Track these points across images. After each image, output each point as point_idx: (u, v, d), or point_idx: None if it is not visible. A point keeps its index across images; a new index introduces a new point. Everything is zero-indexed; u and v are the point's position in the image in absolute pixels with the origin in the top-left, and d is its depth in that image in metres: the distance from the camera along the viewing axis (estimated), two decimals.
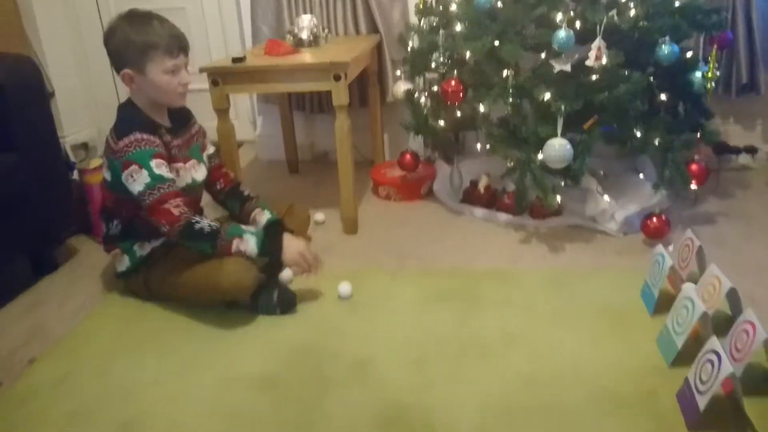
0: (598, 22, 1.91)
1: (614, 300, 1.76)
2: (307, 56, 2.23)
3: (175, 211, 1.67)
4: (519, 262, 2.04)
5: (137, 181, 1.67)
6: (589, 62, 1.92)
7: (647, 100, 2.11)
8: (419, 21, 2.40)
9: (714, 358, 1.27)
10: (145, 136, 1.70)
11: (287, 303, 1.80)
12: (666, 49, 1.95)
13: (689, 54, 2.10)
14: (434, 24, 2.30)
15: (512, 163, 2.09)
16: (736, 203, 2.37)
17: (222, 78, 2.12)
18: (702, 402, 1.25)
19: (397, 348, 1.61)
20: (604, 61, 1.91)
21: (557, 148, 1.91)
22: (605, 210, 2.14)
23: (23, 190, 1.96)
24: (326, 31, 2.55)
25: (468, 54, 2.12)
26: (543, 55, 2.03)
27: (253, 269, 1.75)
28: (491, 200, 2.36)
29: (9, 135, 1.92)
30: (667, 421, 1.30)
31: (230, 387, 1.50)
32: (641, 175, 2.27)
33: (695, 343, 1.41)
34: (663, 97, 2.08)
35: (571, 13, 1.95)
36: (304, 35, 2.43)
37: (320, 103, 2.95)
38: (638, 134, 2.03)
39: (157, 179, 1.67)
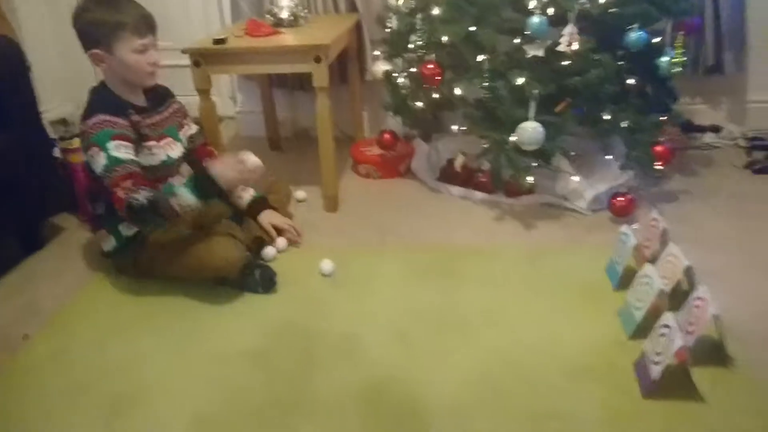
0: (570, 9, 1.97)
1: (582, 275, 1.88)
2: (287, 38, 2.27)
3: (122, 194, 1.65)
4: (494, 238, 2.14)
5: (97, 164, 1.71)
6: (562, 48, 2.00)
7: (617, 83, 2.20)
8: (398, 1, 2.43)
9: (667, 331, 1.39)
10: (108, 118, 1.72)
11: (268, 279, 1.86)
12: (634, 35, 2.03)
13: (658, 39, 2.18)
14: (413, 6, 2.34)
15: (487, 144, 2.17)
16: (699, 181, 2.49)
17: (204, 59, 2.16)
18: (655, 372, 1.37)
19: (381, 324, 1.71)
20: (575, 46, 1.99)
21: (530, 131, 2.00)
22: (575, 189, 2.25)
23: (8, 167, 1.98)
24: (306, 10, 2.57)
25: (445, 38, 2.17)
26: (518, 40, 2.09)
27: (241, 246, 1.83)
28: (468, 179, 2.45)
29: None
30: (625, 388, 1.42)
31: (221, 362, 1.59)
32: (610, 156, 2.36)
33: (654, 317, 1.53)
34: (632, 81, 2.16)
35: (544, 0, 2.00)
36: (284, 15, 2.45)
37: (301, 81, 2.98)
38: (608, 117, 2.12)
39: (113, 161, 1.68)
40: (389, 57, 2.53)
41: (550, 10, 2.02)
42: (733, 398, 1.38)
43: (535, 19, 1.97)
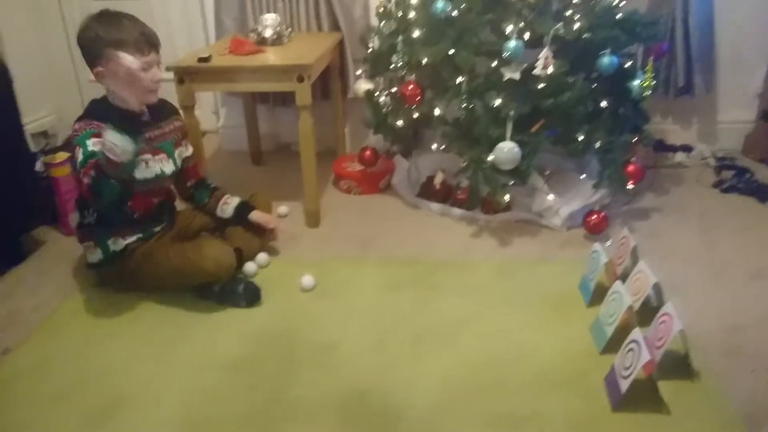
0: (545, 33, 2.05)
1: (556, 290, 1.93)
2: (271, 57, 2.31)
3: (86, 180, 1.63)
4: (471, 253, 2.19)
5: (77, 163, 1.71)
6: (537, 71, 2.07)
7: (591, 104, 2.28)
8: (380, 23, 2.50)
9: (635, 347, 1.44)
10: (92, 122, 1.75)
11: (252, 294, 1.90)
12: (606, 59, 2.11)
13: (629, 63, 2.27)
14: (394, 28, 2.40)
15: (466, 162, 2.23)
16: (670, 199, 2.57)
17: (188, 76, 2.19)
18: (624, 385, 1.43)
19: (360, 333, 1.75)
20: (550, 69, 2.06)
21: (506, 151, 2.06)
22: (550, 206, 2.31)
23: None
24: (289, 29, 2.62)
25: (425, 59, 2.23)
26: (495, 63, 2.16)
27: (230, 251, 1.88)
28: (446, 195, 2.51)
29: None
30: (596, 401, 1.48)
31: (204, 370, 1.62)
32: (583, 175, 2.44)
33: (624, 332, 1.58)
34: (605, 102, 2.24)
35: (522, 24, 2.08)
36: (268, 33, 2.50)
37: (283, 97, 3.03)
38: (582, 137, 2.19)
39: (87, 155, 1.68)
40: (371, 76, 2.59)
41: (527, 35, 2.09)
42: (697, 410, 1.44)
43: (512, 43, 2.04)
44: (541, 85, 2.09)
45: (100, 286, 1.99)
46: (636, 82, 2.23)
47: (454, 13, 2.21)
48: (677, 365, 1.57)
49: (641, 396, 1.46)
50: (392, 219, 2.46)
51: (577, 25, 2.09)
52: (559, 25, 2.07)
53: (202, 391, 1.54)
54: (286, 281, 2.00)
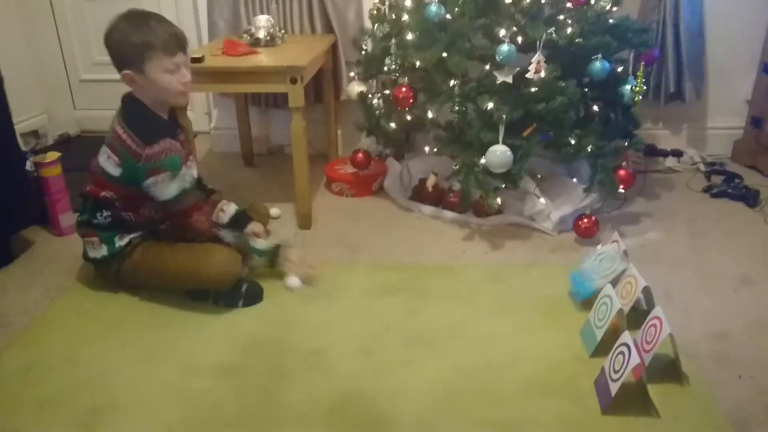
0: (538, 38, 2.06)
1: (546, 294, 1.94)
2: (264, 58, 2.31)
3: (205, 224, 1.87)
4: (462, 257, 2.20)
5: (169, 188, 1.76)
6: (529, 75, 2.08)
7: (583, 109, 2.29)
8: (373, 26, 2.50)
9: (625, 350, 1.45)
10: (173, 143, 1.77)
11: (252, 296, 1.89)
12: (598, 65, 2.13)
13: (620, 69, 2.28)
14: (387, 31, 2.41)
15: (458, 165, 2.24)
16: (660, 204, 2.59)
17: None
18: (614, 388, 1.43)
19: (349, 339, 1.74)
20: (542, 74, 2.07)
21: (498, 154, 2.07)
22: (542, 210, 2.32)
23: None
24: (283, 31, 2.62)
25: (418, 62, 2.24)
26: (488, 67, 2.17)
27: (239, 259, 1.86)
28: (438, 198, 2.51)
29: None
30: (586, 405, 1.48)
31: (192, 375, 1.61)
32: (575, 179, 2.45)
33: (613, 335, 1.59)
34: (596, 107, 2.26)
35: (514, 29, 2.09)
36: (261, 35, 2.50)
37: (275, 99, 3.03)
38: (573, 141, 2.20)
39: (185, 190, 1.79)
40: (364, 78, 2.59)
41: (519, 39, 2.10)
42: (686, 414, 1.45)
43: (505, 47, 2.05)
44: (533, 89, 2.10)
45: (90, 286, 1.98)
46: (627, 88, 2.25)
47: (447, 17, 2.22)
48: (666, 369, 1.58)
49: (631, 400, 1.47)
50: (384, 222, 2.46)
51: (569, 30, 2.10)
52: (552, 29, 2.09)
53: (190, 396, 1.54)
54: (275, 283, 2.00)
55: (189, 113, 2.32)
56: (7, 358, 1.68)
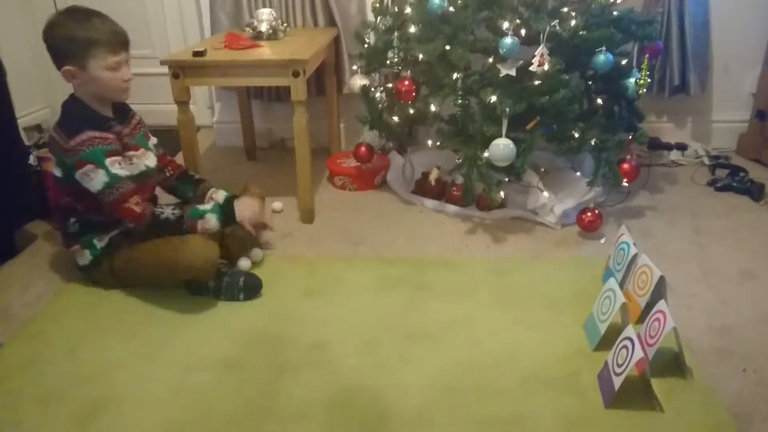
0: (541, 30, 2.05)
1: (549, 288, 1.93)
2: (266, 51, 2.30)
3: (138, 209, 1.77)
4: (465, 251, 2.19)
5: (95, 180, 1.73)
6: (533, 68, 2.07)
7: (586, 102, 2.28)
8: (376, 19, 2.49)
9: (629, 344, 1.45)
10: (97, 134, 1.75)
11: (252, 288, 1.89)
12: (602, 57, 2.11)
13: (624, 62, 2.27)
14: (390, 24, 2.39)
15: (460, 159, 2.23)
16: (664, 197, 2.58)
17: (182, 71, 2.18)
18: (617, 383, 1.43)
19: (350, 333, 1.74)
20: (546, 67, 2.06)
21: (501, 147, 2.06)
22: (545, 204, 2.31)
23: None
24: (285, 24, 2.61)
25: (421, 55, 2.23)
26: (491, 59, 2.16)
27: (216, 246, 1.84)
28: (441, 192, 2.50)
29: None
30: (588, 399, 1.48)
31: (193, 369, 1.61)
32: (578, 173, 2.44)
33: (617, 329, 1.57)
34: (599, 100, 2.24)
35: (517, 21, 2.08)
36: (264, 28, 2.49)
37: (278, 92, 3.02)
38: (576, 135, 2.19)
39: (114, 178, 1.74)
40: (366, 72, 2.58)
41: (522, 32, 2.09)
42: (689, 408, 1.44)
43: (508, 40, 2.03)
44: (536, 83, 2.08)
45: (91, 284, 1.98)
46: (631, 81, 2.24)
47: (450, 9, 2.20)
48: (669, 363, 1.57)
49: (634, 394, 1.46)
50: (387, 216, 2.46)
51: (572, 23, 2.09)
52: (555, 22, 2.07)
53: (191, 391, 1.54)
54: (276, 277, 1.99)
55: (192, 107, 2.31)
56: (10, 351, 1.69)
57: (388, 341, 1.70)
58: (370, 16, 2.66)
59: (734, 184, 2.60)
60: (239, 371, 1.60)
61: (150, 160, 1.96)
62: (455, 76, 2.18)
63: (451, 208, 2.44)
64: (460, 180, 2.39)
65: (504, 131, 2.08)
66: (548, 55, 2.06)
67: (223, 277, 1.88)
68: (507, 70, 2.09)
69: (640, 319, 1.68)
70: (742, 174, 2.67)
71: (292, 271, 2.03)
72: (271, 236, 2.21)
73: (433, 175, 2.51)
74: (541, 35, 2.05)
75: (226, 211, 1.88)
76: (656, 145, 2.93)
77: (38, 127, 3.24)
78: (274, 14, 2.55)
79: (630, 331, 1.48)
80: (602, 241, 2.21)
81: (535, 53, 2.06)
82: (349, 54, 2.83)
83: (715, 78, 2.93)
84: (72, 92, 1.85)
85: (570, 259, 2.09)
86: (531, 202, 2.36)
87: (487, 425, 1.41)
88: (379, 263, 2.10)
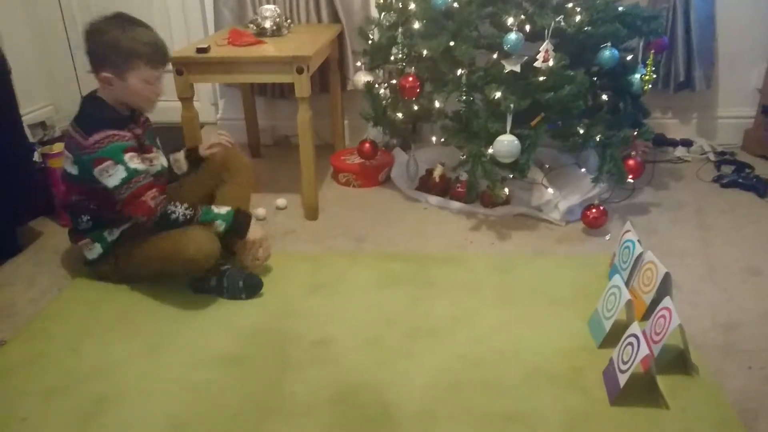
0: (546, 26, 2.04)
1: (553, 285, 1.93)
2: (270, 48, 2.30)
3: (152, 203, 1.77)
4: (469, 247, 2.19)
5: (113, 176, 1.73)
6: (537, 64, 2.06)
7: (591, 98, 2.27)
8: (380, 15, 2.48)
9: (634, 341, 1.44)
10: (116, 132, 1.75)
11: (253, 287, 1.89)
12: (607, 53, 2.10)
13: (629, 57, 2.26)
14: (394, 20, 2.39)
15: (464, 155, 2.22)
16: (669, 194, 2.56)
17: (186, 67, 2.18)
18: (623, 379, 1.42)
19: (354, 329, 1.74)
20: (551, 63, 2.05)
21: (506, 143, 2.05)
22: (549, 200, 2.31)
23: None
24: (289, 20, 2.60)
25: (425, 52, 2.22)
26: (495, 56, 2.15)
27: (215, 240, 1.83)
28: (445, 188, 2.50)
29: None
30: (593, 396, 1.47)
31: (197, 365, 1.61)
32: (583, 169, 2.43)
33: (622, 326, 1.56)
34: (604, 97, 2.23)
35: (522, 17, 2.07)
36: (267, 25, 2.49)
37: (282, 89, 3.02)
38: (581, 131, 2.18)
39: (132, 173, 1.74)
40: (370, 68, 2.57)
41: (527, 27, 2.08)
42: (695, 405, 1.44)
43: (512, 36, 2.02)
44: (541, 79, 2.07)
45: (95, 279, 1.98)
46: (636, 76, 2.22)
47: (454, 5, 2.20)
48: (674, 360, 1.56)
49: (639, 391, 1.46)
50: (391, 212, 2.45)
51: (577, 18, 2.08)
52: (560, 17, 2.06)
53: (195, 387, 1.54)
54: (281, 275, 1.99)
55: (196, 104, 2.31)
56: (14, 348, 1.69)
57: (391, 337, 1.70)
58: (374, 13, 2.65)
59: (740, 180, 2.59)
60: (243, 367, 1.60)
61: (163, 159, 1.97)
62: (459, 72, 2.18)
63: (455, 204, 2.44)
64: (464, 176, 2.39)
65: (508, 127, 2.07)
66: (553, 50, 2.05)
67: (223, 279, 1.87)
68: (511, 66, 2.08)
69: (645, 316, 1.68)
70: (747, 170, 2.66)
71: (296, 267, 2.03)
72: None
73: (437, 172, 2.51)
74: (546, 31, 2.04)
75: (236, 221, 1.88)
76: (661, 142, 2.92)
77: (42, 125, 3.24)
78: (278, 10, 2.54)
79: (635, 327, 1.47)
80: (607, 237, 2.20)
81: (540, 49, 2.05)
82: (352, 50, 2.82)
83: (721, 74, 2.91)
84: (92, 91, 1.84)
85: (574, 256, 2.08)
86: (535, 199, 2.35)
87: (491, 421, 1.41)
88: (383, 260, 2.09)
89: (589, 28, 2.10)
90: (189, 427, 1.42)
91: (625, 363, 1.45)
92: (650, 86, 2.21)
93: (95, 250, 1.92)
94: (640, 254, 1.80)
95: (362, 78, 2.58)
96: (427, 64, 2.32)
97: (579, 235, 2.24)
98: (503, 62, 2.10)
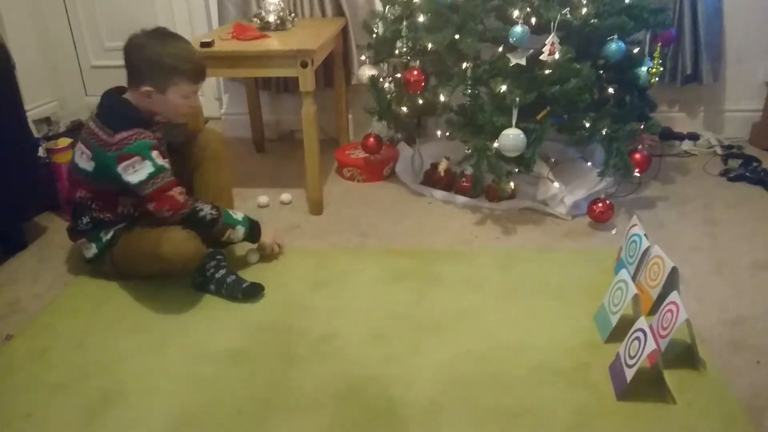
0: (552, 19, 2.02)
1: (558, 279, 1.92)
2: (274, 42, 2.29)
3: (180, 198, 1.79)
4: (474, 242, 2.18)
5: (138, 171, 1.73)
6: (543, 57, 2.04)
7: (597, 92, 2.25)
8: (384, 8, 2.47)
9: (641, 335, 1.43)
10: (142, 130, 1.76)
11: (252, 293, 1.85)
12: (613, 46, 2.08)
13: (636, 50, 2.24)
14: (398, 13, 2.37)
15: (470, 149, 2.21)
16: (676, 188, 2.55)
17: None
18: (629, 374, 1.41)
19: (359, 324, 1.73)
20: (556, 56, 2.03)
21: (511, 137, 2.04)
22: (555, 195, 2.29)
23: None
24: (293, 14, 2.59)
25: (430, 45, 2.21)
26: (500, 49, 2.14)
27: (196, 239, 1.80)
28: (450, 183, 2.49)
29: None
30: (599, 390, 1.46)
31: (202, 361, 1.61)
32: (589, 163, 2.42)
33: (629, 321, 1.55)
34: (611, 90, 2.21)
35: (527, 9, 2.05)
36: (271, 19, 2.48)
37: (286, 83, 3.01)
38: (587, 124, 2.17)
39: (160, 169, 1.75)
40: (375, 62, 2.56)
41: (533, 20, 2.06)
42: (702, 400, 1.43)
43: (518, 29, 2.01)
44: (546, 72, 2.06)
45: (99, 276, 1.98)
46: (643, 70, 2.21)
47: None
48: (681, 355, 1.55)
49: (646, 386, 1.45)
50: (395, 207, 2.44)
51: (584, 11, 2.06)
52: (566, 10, 2.05)
53: (200, 382, 1.54)
54: (286, 271, 1.99)
55: (200, 98, 2.30)
56: (19, 343, 1.70)
57: (397, 332, 1.70)
58: (379, 6, 2.64)
59: (747, 174, 2.57)
60: (248, 363, 1.60)
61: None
62: (465, 65, 2.17)
63: (461, 199, 2.43)
64: (469, 171, 2.38)
65: (514, 121, 2.06)
66: (559, 43, 2.03)
67: (221, 290, 1.85)
68: (517, 60, 2.07)
69: (652, 311, 1.66)
70: (755, 164, 2.64)
71: (301, 262, 2.03)
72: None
73: (443, 166, 2.50)
74: (552, 24, 2.02)
75: (252, 226, 1.95)
76: (668, 135, 2.90)
77: (47, 120, 3.24)
78: (282, 4, 2.53)
79: (642, 322, 1.46)
80: (613, 232, 2.19)
81: (546, 42, 2.03)
82: (357, 44, 2.81)
83: (728, 67, 2.89)
84: (113, 89, 1.84)
85: (580, 251, 2.07)
86: (541, 193, 2.34)
87: (497, 416, 1.40)
88: (388, 254, 2.09)
89: (596, 20, 2.08)
90: (194, 423, 1.42)
91: (632, 358, 1.44)
92: (657, 79, 2.19)
93: (91, 250, 1.92)
94: (647, 249, 1.79)
95: (367, 72, 2.56)
96: (431, 58, 2.30)
97: (585, 230, 2.22)
98: (509, 55, 2.08)
